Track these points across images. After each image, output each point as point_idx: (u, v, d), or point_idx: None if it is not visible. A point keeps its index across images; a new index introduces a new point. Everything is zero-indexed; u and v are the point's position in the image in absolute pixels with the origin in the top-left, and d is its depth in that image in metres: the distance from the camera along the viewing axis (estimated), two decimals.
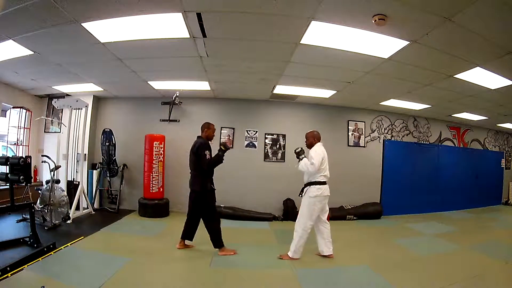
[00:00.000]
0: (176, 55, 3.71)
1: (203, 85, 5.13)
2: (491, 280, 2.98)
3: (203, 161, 3.43)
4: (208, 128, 3.64)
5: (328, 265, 3.30)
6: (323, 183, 3.35)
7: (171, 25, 2.88)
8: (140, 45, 3.37)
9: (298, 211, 5.41)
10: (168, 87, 5.28)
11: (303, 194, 3.43)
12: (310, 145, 3.52)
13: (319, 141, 3.51)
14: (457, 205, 7.23)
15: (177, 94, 5.44)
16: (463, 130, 7.77)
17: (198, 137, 3.63)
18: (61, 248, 3.33)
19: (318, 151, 3.37)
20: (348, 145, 6.40)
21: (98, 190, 5.87)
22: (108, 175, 5.87)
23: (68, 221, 4.47)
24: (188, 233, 3.56)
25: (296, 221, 3.42)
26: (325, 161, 3.38)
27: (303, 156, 3.46)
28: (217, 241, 3.44)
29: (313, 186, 3.33)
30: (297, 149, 3.53)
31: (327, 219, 3.50)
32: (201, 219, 3.54)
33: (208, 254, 3.44)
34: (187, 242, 3.62)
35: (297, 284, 2.75)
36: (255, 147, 6.09)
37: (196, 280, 2.80)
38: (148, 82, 4.98)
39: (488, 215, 6.76)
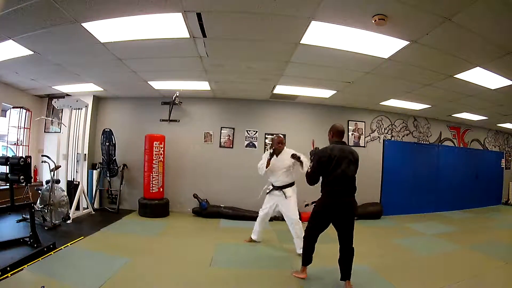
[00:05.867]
0: (176, 55, 3.71)
1: (203, 85, 5.13)
2: (491, 280, 2.98)
3: None
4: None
5: (329, 265, 3.29)
6: None
7: (171, 25, 2.88)
8: (140, 45, 3.37)
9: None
10: (168, 87, 5.28)
11: (287, 196, 3.57)
12: (281, 149, 3.67)
13: None
14: (457, 205, 7.22)
15: (177, 94, 5.44)
16: (463, 130, 7.76)
17: (343, 142, 2.88)
18: (61, 248, 3.33)
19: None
20: (348, 145, 6.38)
21: (98, 190, 5.87)
22: (108, 175, 5.87)
23: (68, 221, 4.47)
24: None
25: (294, 222, 3.48)
26: None
27: (301, 160, 3.46)
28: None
29: (293, 186, 3.67)
30: (296, 154, 3.50)
31: None
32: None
33: (208, 254, 3.44)
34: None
35: (297, 284, 2.75)
36: (255, 147, 6.09)
37: (196, 280, 2.80)
38: (148, 82, 4.98)
39: (488, 215, 6.76)
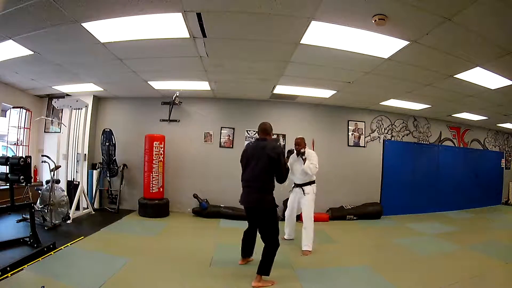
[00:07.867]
0: (176, 55, 3.71)
1: (203, 85, 5.13)
2: (491, 280, 2.98)
3: (284, 172, 2.82)
4: (271, 131, 3.00)
5: (329, 265, 3.30)
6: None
7: (171, 25, 2.88)
8: (140, 45, 3.37)
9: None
10: (168, 87, 5.28)
11: (305, 192, 3.78)
12: (299, 150, 3.83)
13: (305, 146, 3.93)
14: (457, 205, 7.23)
15: (177, 94, 5.45)
16: (463, 130, 7.76)
17: (262, 139, 2.90)
18: (61, 248, 3.33)
19: (315, 154, 3.84)
20: (348, 145, 6.40)
21: (98, 190, 5.87)
22: (108, 175, 5.87)
23: (68, 221, 4.47)
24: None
25: (307, 217, 3.71)
26: None
27: (304, 157, 3.78)
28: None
29: (313, 184, 3.84)
30: (301, 150, 3.83)
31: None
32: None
33: (208, 254, 3.44)
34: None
35: (297, 284, 2.75)
36: None
37: (196, 280, 2.80)
38: (148, 82, 4.98)
39: (488, 215, 6.77)
